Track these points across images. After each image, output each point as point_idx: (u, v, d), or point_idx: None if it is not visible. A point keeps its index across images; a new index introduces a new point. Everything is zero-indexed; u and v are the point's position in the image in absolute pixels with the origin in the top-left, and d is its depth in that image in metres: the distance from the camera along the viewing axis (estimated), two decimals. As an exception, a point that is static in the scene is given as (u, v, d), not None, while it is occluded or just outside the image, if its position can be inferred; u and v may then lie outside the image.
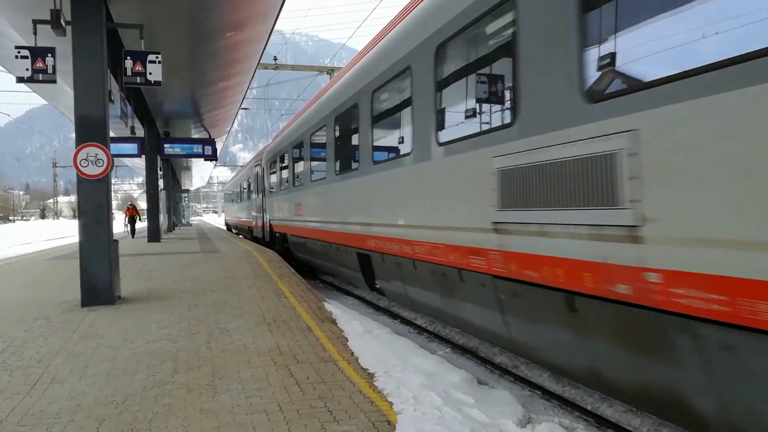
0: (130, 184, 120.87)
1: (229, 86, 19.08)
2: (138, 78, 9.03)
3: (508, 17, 4.71)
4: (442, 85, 5.95)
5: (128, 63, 8.97)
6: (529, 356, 5.07)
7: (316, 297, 8.95)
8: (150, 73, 9.03)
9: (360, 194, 8.59)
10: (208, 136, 26.38)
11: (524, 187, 4.40)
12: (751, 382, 2.84)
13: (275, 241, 18.51)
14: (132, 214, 29.14)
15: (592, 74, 3.75)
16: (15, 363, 5.44)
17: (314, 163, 12.07)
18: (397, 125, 7.55)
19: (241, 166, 41.92)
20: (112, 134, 10.06)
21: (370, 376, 4.88)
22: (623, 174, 3.33)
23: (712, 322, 2.88)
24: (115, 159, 12.97)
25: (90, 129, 8.53)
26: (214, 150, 22.73)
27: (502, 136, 4.75)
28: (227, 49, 14.63)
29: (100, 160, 8.45)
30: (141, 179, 70.95)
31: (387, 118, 7.99)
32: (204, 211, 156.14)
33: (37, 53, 8.33)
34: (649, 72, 3.40)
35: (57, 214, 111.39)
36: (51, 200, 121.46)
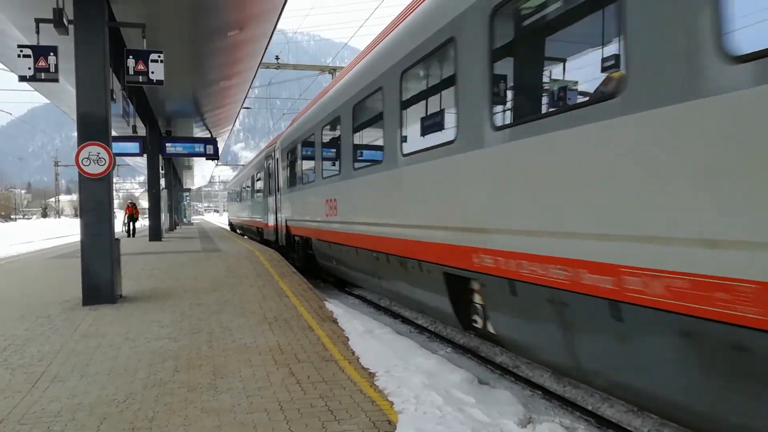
0: (131, 183, 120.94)
1: (231, 85, 19.10)
2: (140, 77, 9.05)
3: None
4: None
5: (130, 62, 8.99)
6: None
7: (317, 296, 8.95)
8: (152, 72, 9.05)
9: (471, 182, 5.28)
10: (209, 135, 26.41)
11: None
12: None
13: (293, 245, 15.22)
14: (131, 213, 28.58)
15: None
16: (16, 361, 5.45)
17: (364, 145, 8.88)
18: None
19: (243, 166, 41.42)
20: (114, 133, 10.08)
21: (371, 376, 4.88)
22: None
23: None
24: (116, 158, 13.00)
25: (92, 128, 8.54)
26: (216, 149, 22.74)
27: None
28: (229, 48, 14.65)
29: (102, 159, 8.46)
30: (143, 178, 71.04)
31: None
32: (205, 210, 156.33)
33: (40, 52, 8.34)
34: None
35: (59, 213, 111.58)
36: (53, 199, 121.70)
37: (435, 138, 6.16)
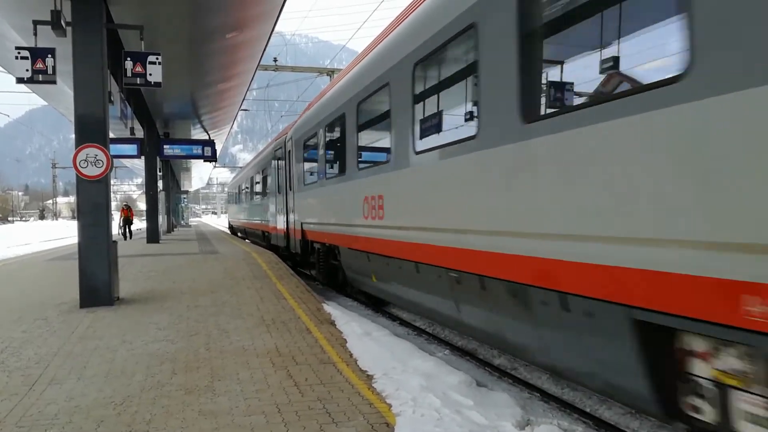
0: (129, 185, 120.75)
1: (229, 87, 19.10)
2: (138, 79, 9.05)
3: None
4: None
5: (128, 64, 8.98)
6: None
7: (315, 298, 8.94)
8: (150, 74, 9.04)
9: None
10: (207, 137, 26.38)
11: None
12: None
13: (309, 252, 12.77)
14: (127, 216, 28.33)
15: None
16: (13, 364, 5.43)
17: (432, 117, 6.23)
18: None
19: (241, 167, 40.99)
20: (111, 135, 10.07)
21: (369, 378, 4.87)
22: None
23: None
24: (114, 160, 12.99)
25: (90, 130, 8.53)
26: (214, 151, 22.73)
27: None
28: (227, 51, 14.65)
29: (100, 161, 8.45)
30: (140, 180, 70.97)
31: None
32: (203, 212, 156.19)
33: (37, 54, 8.34)
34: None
35: (56, 215, 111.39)
36: (50, 201, 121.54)
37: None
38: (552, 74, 4.58)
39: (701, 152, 2.86)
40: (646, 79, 3.45)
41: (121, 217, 28.45)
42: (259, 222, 22.59)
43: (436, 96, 6.38)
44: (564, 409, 5.04)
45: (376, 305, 10.08)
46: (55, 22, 8.26)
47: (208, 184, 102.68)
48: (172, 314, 7.74)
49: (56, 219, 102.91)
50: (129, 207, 29.06)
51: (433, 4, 6.05)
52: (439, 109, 6.19)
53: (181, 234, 35.16)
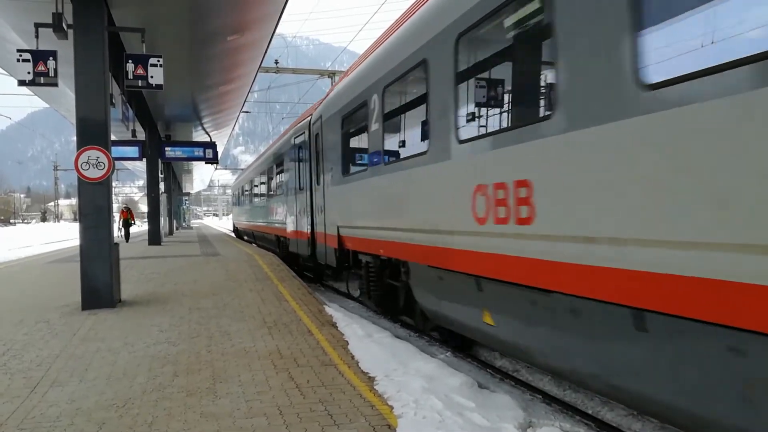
0: (130, 187, 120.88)
1: (230, 89, 19.14)
2: (139, 81, 9.06)
3: None
4: None
5: (130, 66, 8.99)
6: None
7: (317, 300, 8.94)
8: (151, 77, 9.05)
9: None
10: (209, 139, 26.41)
11: None
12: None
13: (348, 265, 9.91)
14: (126, 218, 27.78)
15: None
16: (15, 366, 5.44)
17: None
18: None
19: (246, 166, 40.27)
20: (113, 137, 10.08)
21: (371, 380, 4.87)
22: None
23: None
24: (116, 162, 13.01)
25: (91, 132, 8.55)
26: (215, 153, 22.75)
27: None
28: (229, 53, 14.68)
29: (101, 163, 8.46)
30: (142, 182, 71.06)
31: None
32: (204, 214, 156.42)
33: (39, 56, 8.35)
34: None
35: (58, 217, 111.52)
36: (52, 203, 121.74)
37: None
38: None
39: None
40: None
41: (120, 219, 28.11)
42: (271, 225, 19.22)
43: None
44: (566, 410, 5.03)
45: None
46: (56, 24, 8.28)
47: (209, 186, 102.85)
48: (174, 316, 7.74)
49: (58, 221, 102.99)
50: (129, 209, 28.86)
51: None
52: None
53: (183, 236, 35.20)
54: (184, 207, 59.68)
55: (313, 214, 12.04)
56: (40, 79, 8.38)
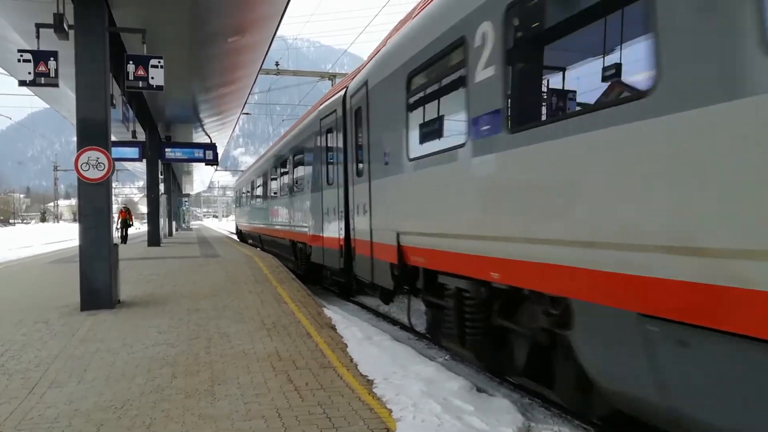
0: (130, 188, 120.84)
1: (230, 91, 19.14)
2: (140, 82, 9.06)
3: None
4: None
5: (130, 67, 9.00)
6: None
7: (316, 302, 8.93)
8: (152, 78, 9.06)
9: None
10: (209, 141, 26.39)
11: None
12: None
13: (408, 288, 7.28)
14: (125, 218, 27.33)
15: None
16: (13, 367, 5.43)
17: None
18: None
19: (242, 170, 39.66)
20: (113, 138, 10.08)
21: (370, 383, 4.86)
22: None
23: None
24: (116, 163, 13.01)
25: (91, 133, 8.55)
26: (215, 154, 22.75)
27: None
28: (229, 54, 14.69)
29: (101, 164, 8.46)
30: (142, 183, 71.02)
31: None
32: (204, 215, 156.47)
33: (40, 57, 8.36)
34: None
35: (57, 218, 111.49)
36: (51, 203, 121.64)
37: None
38: None
39: None
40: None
41: (119, 219, 27.79)
42: (285, 228, 16.21)
43: None
44: (565, 415, 5.02)
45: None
46: (57, 25, 8.29)
47: (209, 187, 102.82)
48: (173, 318, 7.73)
49: (57, 222, 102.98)
50: (128, 209, 28.64)
51: None
52: None
53: (183, 237, 35.19)
54: (184, 208, 59.72)
55: (348, 215, 9.43)
56: (40, 79, 8.39)
